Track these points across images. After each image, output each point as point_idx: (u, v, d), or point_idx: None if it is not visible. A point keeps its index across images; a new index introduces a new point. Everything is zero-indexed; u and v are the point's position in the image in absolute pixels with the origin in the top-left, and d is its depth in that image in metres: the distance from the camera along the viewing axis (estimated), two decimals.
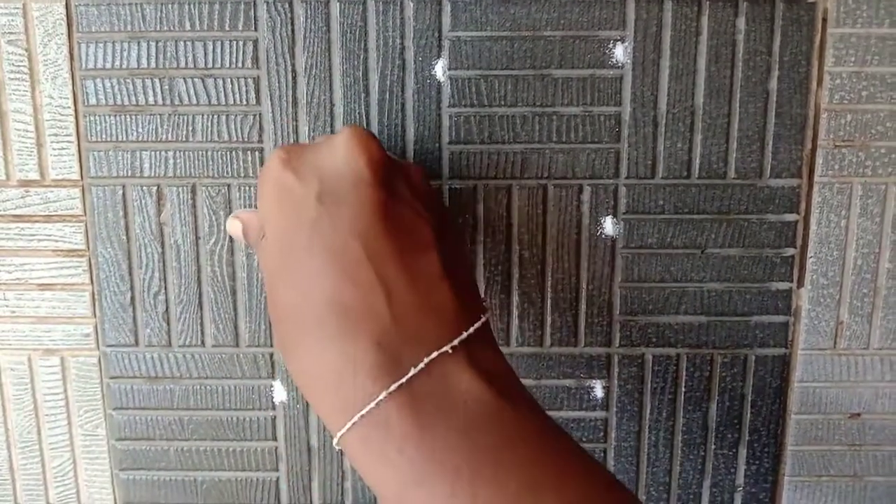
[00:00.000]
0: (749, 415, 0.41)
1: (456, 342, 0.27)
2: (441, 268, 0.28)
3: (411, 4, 0.37)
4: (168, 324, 0.40)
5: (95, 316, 0.40)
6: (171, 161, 0.38)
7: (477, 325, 0.28)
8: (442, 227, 0.30)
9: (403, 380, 0.26)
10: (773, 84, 0.37)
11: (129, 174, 0.38)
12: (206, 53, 0.37)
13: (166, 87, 0.37)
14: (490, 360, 0.28)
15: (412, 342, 0.26)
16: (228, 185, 0.38)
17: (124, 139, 0.38)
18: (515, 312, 0.39)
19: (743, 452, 0.41)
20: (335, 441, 0.27)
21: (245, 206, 0.39)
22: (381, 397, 0.25)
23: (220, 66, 0.37)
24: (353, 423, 0.26)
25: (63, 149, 0.38)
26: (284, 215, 0.28)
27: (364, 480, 0.28)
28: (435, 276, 0.28)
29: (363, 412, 0.25)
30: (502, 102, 0.37)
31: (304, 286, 0.27)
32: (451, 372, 0.26)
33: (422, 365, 0.26)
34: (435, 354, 0.26)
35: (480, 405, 0.26)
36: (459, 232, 0.38)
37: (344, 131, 0.29)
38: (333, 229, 0.27)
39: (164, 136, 0.38)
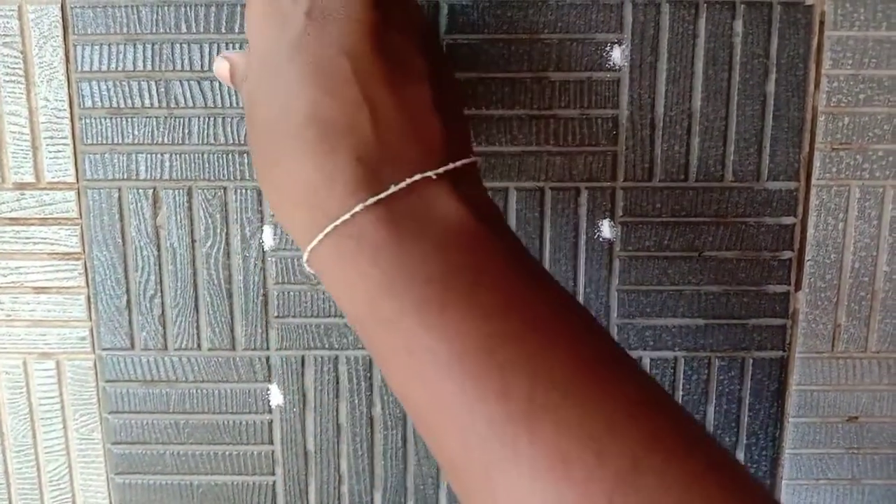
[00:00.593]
0: (747, 418, 0.41)
1: (441, 170, 0.26)
2: (431, 100, 0.27)
3: None
4: (164, 327, 0.40)
5: (91, 319, 0.40)
6: (167, 164, 0.38)
7: (465, 160, 0.27)
8: (437, 66, 0.29)
9: (383, 195, 0.25)
10: (771, 87, 0.37)
11: (125, 177, 0.38)
12: (202, 56, 0.37)
13: (162, 89, 0.37)
14: (476, 195, 0.27)
15: (394, 162, 0.26)
16: (225, 188, 0.38)
17: (120, 142, 0.38)
18: None
19: (740, 456, 0.41)
20: (305, 257, 0.26)
21: (242, 209, 0.39)
22: (357, 209, 0.25)
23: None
24: (327, 234, 0.25)
25: (59, 151, 0.38)
26: (269, 28, 0.28)
27: (334, 299, 0.27)
28: (424, 106, 0.27)
29: (337, 223, 0.25)
30: (499, 105, 0.37)
31: (283, 100, 0.27)
32: (434, 195, 0.26)
33: (403, 184, 0.25)
34: (418, 177, 0.25)
35: (460, 227, 0.25)
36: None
37: None
38: (320, 44, 0.27)
39: (160, 139, 0.38)
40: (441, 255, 0.25)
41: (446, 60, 0.36)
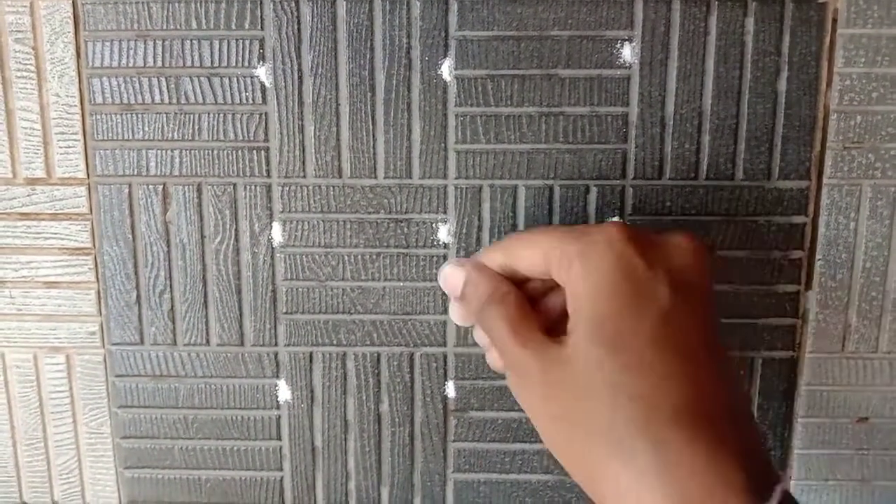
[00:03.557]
0: (756, 418, 0.40)
1: (784, 484, 0.25)
2: (748, 396, 0.28)
3: (418, 4, 0.36)
4: (173, 322, 0.40)
5: (101, 314, 0.40)
6: (176, 160, 0.38)
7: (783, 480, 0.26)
8: None
9: (773, 500, 0.23)
10: (782, 85, 0.37)
11: (135, 173, 0.38)
12: (212, 52, 0.37)
13: (172, 85, 0.37)
14: None
15: (757, 467, 0.24)
16: (234, 185, 0.38)
17: (130, 138, 0.38)
18: None
19: None
20: None
21: (251, 205, 0.39)
22: None
23: (226, 64, 0.37)
24: None
25: (69, 147, 0.38)
26: (624, 299, 0.25)
27: None
28: (748, 402, 0.29)
29: None
30: (509, 102, 0.37)
31: (651, 383, 0.24)
32: None
33: (780, 490, 0.24)
34: (782, 488, 0.24)
35: None
36: None
37: (686, 236, 0.28)
38: (689, 326, 0.25)
39: (170, 135, 0.38)
40: None
41: None
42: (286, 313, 0.40)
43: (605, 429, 0.25)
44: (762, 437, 0.26)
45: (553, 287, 0.30)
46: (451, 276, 0.32)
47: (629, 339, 0.25)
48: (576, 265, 0.27)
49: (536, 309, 0.30)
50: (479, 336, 0.33)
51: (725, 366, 0.26)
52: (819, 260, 0.39)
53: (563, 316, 0.28)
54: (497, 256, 0.31)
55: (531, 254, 0.29)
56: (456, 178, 0.38)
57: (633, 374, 0.25)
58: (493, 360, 0.33)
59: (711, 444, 0.24)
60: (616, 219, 0.36)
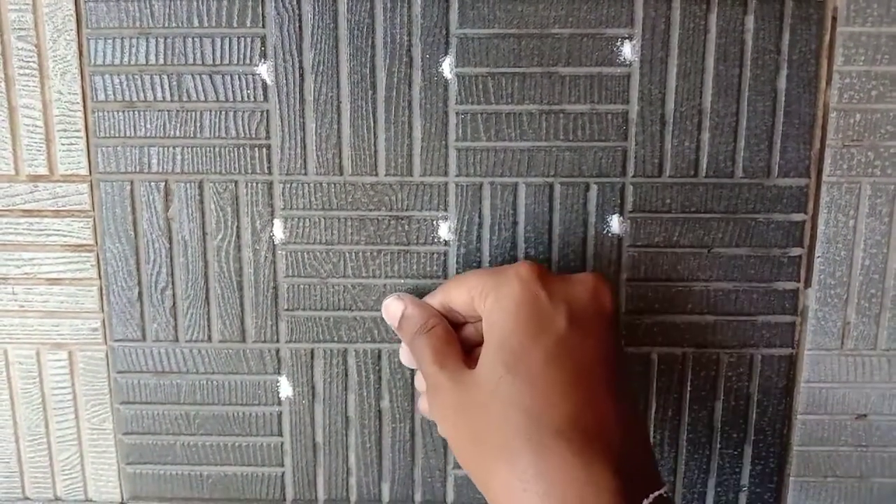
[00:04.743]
0: (755, 415, 0.40)
1: (662, 491, 0.28)
2: (643, 419, 0.32)
3: (419, 1, 0.37)
4: (175, 319, 0.40)
5: (103, 311, 0.40)
6: (178, 157, 0.38)
7: (665, 488, 0.29)
8: None
9: None
10: (782, 83, 0.37)
11: (137, 170, 0.39)
12: (213, 50, 0.37)
13: (174, 83, 0.38)
14: None
15: (635, 478, 0.27)
16: (236, 182, 0.39)
17: (132, 135, 0.38)
18: None
19: (748, 452, 0.41)
20: None
21: (253, 202, 0.39)
22: None
23: (227, 62, 0.37)
24: None
25: (72, 144, 0.38)
26: (524, 324, 0.29)
27: None
28: (642, 425, 0.32)
29: None
30: (509, 100, 0.37)
31: (536, 402, 0.28)
32: None
33: (652, 497, 0.27)
34: (655, 495, 0.27)
35: None
36: None
37: (591, 274, 0.32)
38: (582, 351, 0.29)
39: (172, 132, 0.38)
40: None
41: None
42: (287, 310, 0.40)
43: (497, 438, 0.28)
44: (649, 450, 0.30)
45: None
46: (391, 308, 0.36)
47: (525, 360, 0.29)
48: (490, 297, 0.31)
49: (460, 336, 0.34)
50: (406, 359, 0.37)
51: (618, 389, 0.29)
52: (818, 257, 0.39)
53: (481, 342, 0.32)
54: (437, 297, 0.35)
55: (459, 292, 0.33)
56: (457, 176, 0.38)
57: (524, 389, 0.28)
58: (417, 382, 0.38)
59: (588, 452, 0.27)
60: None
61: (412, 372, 0.40)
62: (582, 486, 0.27)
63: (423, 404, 0.36)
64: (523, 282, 0.30)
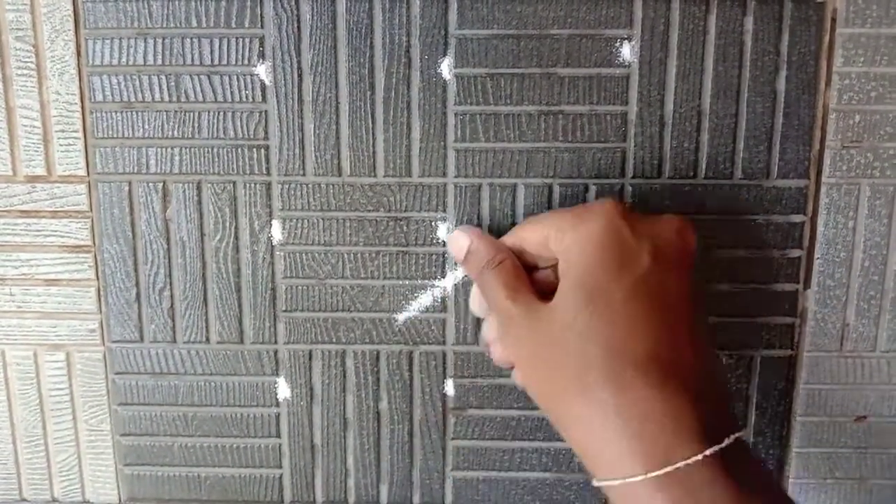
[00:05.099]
0: (754, 416, 0.40)
1: (741, 434, 0.28)
2: (721, 361, 0.31)
3: (418, 2, 0.36)
4: (173, 320, 0.40)
5: (101, 312, 0.40)
6: (176, 158, 0.38)
7: (743, 432, 0.29)
8: None
9: (724, 444, 0.26)
10: (781, 84, 0.37)
11: (135, 170, 0.38)
12: (212, 50, 0.37)
13: (172, 83, 0.38)
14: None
15: (714, 417, 0.27)
16: (234, 182, 0.38)
17: (130, 135, 0.38)
18: None
19: None
20: (610, 483, 0.27)
21: (251, 203, 0.39)
22: (699, 457, 0.26)
23: (226, 63, 0.37)
24: (659, 474, 0.26)
25: (70, 145, 0.38)
26: (607, 260, 0.29)
27: None
28: (721, 367, 0.32)
29: (678, 465, 0.26)
30: (508, 101, 0.37)
31: (617, 334, 0.28)
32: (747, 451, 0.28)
33: (733, 437, 0.27)
34: (736, 436, 0.27)
35: (766, 481, 0.28)
36: None
37: (675, 215, 0.31)
38: (664, 288, 0.28)
39: (170, 133, 0.38)
40: None
41: None
42: (286, 311, 0.40)
43: (574, 372, 0.28)
44: (727, 393, 0.30)
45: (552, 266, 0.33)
46: (458, 241, 0.35)
47: (605, 295, 0.28)
48: (569, 235, 0.30)
49: (532, 280, 0.33)
50: (477, 305, 0.36)
51: (698, 328, 0.29)
52: (818, 259, 0.39)
53: (555, 289, 0.31)
54: (508, 239, 0.34)
55: (534, 231, 0.32)
56: (455, 177, 0.38)
57: (604, 324, 0.28)
58: (486, 330, 0.36)
59: (669, 390, 0.27)
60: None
61: (410, 373, 0.40)
62: (660, 420, 0.26)
63: (496, 351, 0.35)
64: (608, 217, 0.30)
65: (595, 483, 0.28)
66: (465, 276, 0.39)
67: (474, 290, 0.36)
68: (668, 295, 0.29)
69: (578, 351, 0.28)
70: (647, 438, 0.26)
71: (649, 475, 0.26)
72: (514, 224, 0.38)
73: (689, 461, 0.26)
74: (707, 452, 0.26)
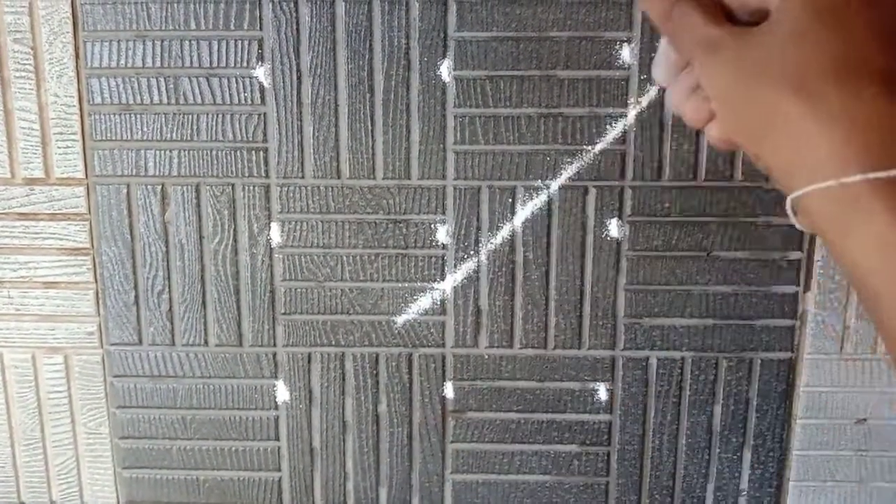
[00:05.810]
0: (754, 419, 0.40)
1: None
2: None
3: (417, 4, 0.36)
4: (171, 323, 0.40)
5: (99, 314, 0.40)
6: (175, 160, 0.38)
7: None
8: None
9: None
10: None
11: (134, 173, 0.38)
12: (210, 53, 0.37)
13: (171, 86, 0.37)
14: None
15: None
16: (232, 185, 0.38)
17: (129, 138, 0.38)
18: (519, 314, 0.39)
19: (747, 456, 0.41)
20: (822, 186, 0.26)
21: (249, 206, 0.39)
22: None
23: (224, 65, 0.37)
24: (881, 176, 0.25)
25: (68, 147, 0.38)
26: None
27: (834, 246, 0.26)
28: None
29: None
30: (507, 103, 0.37)
31: (842, 48, 0.27)
32: None
33: None
34: None
35: None
36: None
37: None
38: (893, 13, 0.27)
39: (169, 136, 0.38)
40: None
41: None
42: (284, 314, 0.40)
43: (795, 83, 0.27)
44: None
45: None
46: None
47: (837, 10, 0.27)
48: None
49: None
50: (663, 67, 0.31)
51: None
52: (818, 261, 0.39)
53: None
54: None
55: None
56: (455, 179, 0.38)
57: (835, 36, 0.27)
58: (676, 92, 0.32)
59: (890, 91, 0.25)
60: None
61: (410, 376, 0.40)
62: (889, 132, 0.25)
63: (692, 106, 0.31)
64: None
65: (796, 194, 0.26)
66: (464, 278, 0.39)
67: (659, 52, 0.31)
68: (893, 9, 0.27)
69: (803, 62, 0.27)
70: (873, 146, 0.25)
71: (869, 175, 0.25)
72: (513, 227, 0.38)
73: None
74: None
